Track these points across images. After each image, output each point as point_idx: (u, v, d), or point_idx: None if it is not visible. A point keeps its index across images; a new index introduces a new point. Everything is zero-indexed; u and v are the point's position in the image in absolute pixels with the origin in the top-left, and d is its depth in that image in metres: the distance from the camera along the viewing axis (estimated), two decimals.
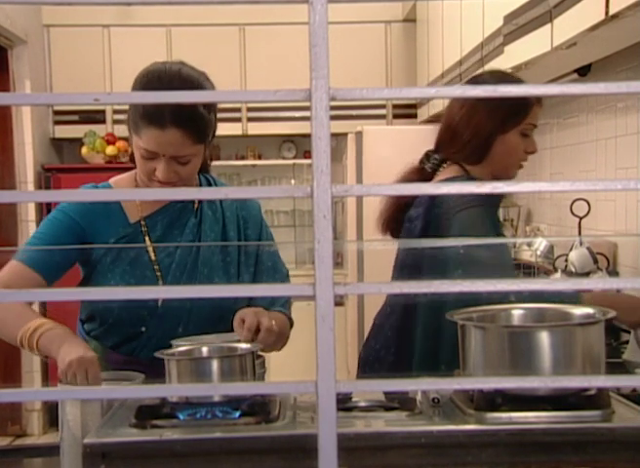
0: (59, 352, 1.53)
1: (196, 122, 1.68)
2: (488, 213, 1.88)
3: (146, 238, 1.81)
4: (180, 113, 1.66)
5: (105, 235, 1.79)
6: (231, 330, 1.66)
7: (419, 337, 1.93)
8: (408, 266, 2.02)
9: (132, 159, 1.90)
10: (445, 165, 2.00)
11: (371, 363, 2.05)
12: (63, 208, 1.81)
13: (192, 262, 1.81)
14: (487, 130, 1.93)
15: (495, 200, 1.94)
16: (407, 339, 1.96)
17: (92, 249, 1.78)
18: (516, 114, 1.92)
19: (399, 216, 2.04)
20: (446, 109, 2.06)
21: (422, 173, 2.02)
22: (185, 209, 1.85)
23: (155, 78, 1.70)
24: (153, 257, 1.80)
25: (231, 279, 1.82)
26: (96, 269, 1.79)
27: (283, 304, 1.88)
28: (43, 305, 4.35)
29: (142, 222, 1.82)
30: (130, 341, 1.79)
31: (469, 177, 1.91)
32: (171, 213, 1.84)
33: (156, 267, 1.80)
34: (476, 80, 2.07)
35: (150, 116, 1.66)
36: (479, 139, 1.94)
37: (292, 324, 1.89)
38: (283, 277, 1.93)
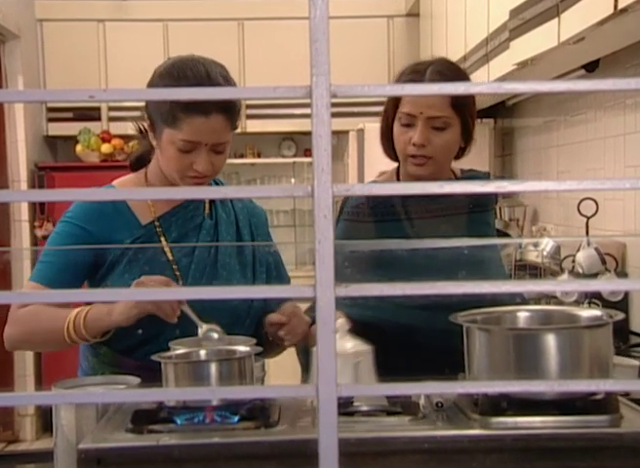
0: (113, 311, 1.63)
1: (234, 107, 1.73)
2: (357, 227, 1.87)
3: (162, 238, 1.80)
4: (220, 100, 1.66)
5: (117, 238, 1.78)
6: (247, 334, 1.67)
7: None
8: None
9: (134, 160, 1.88)
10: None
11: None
12: (69, 218, 1.79)
13: (211, 264, 1.81)
14: (382, 127, 1.91)
15: (374, 212, 1.87)
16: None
17: (106, 251, 1.77)
18: (387, 104, 1.88)
19: None
20: None
21: None
22: (197, 209, 1.85)
23: (189, 72, 1.70)
24: (171, 257, 1.79)
25: (247, 282, 1.82)
26: (112, 271, 1.77)
27: None
28: None
29: (157, 223, 1.81)
30: (144, 345, 1.74)
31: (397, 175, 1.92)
32: (184, 213, 1.83)
33: (175, 267, 1.79)
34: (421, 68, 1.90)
35: (195, 105, 1.67)
36: (384, 137, 1.92)
37: None
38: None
